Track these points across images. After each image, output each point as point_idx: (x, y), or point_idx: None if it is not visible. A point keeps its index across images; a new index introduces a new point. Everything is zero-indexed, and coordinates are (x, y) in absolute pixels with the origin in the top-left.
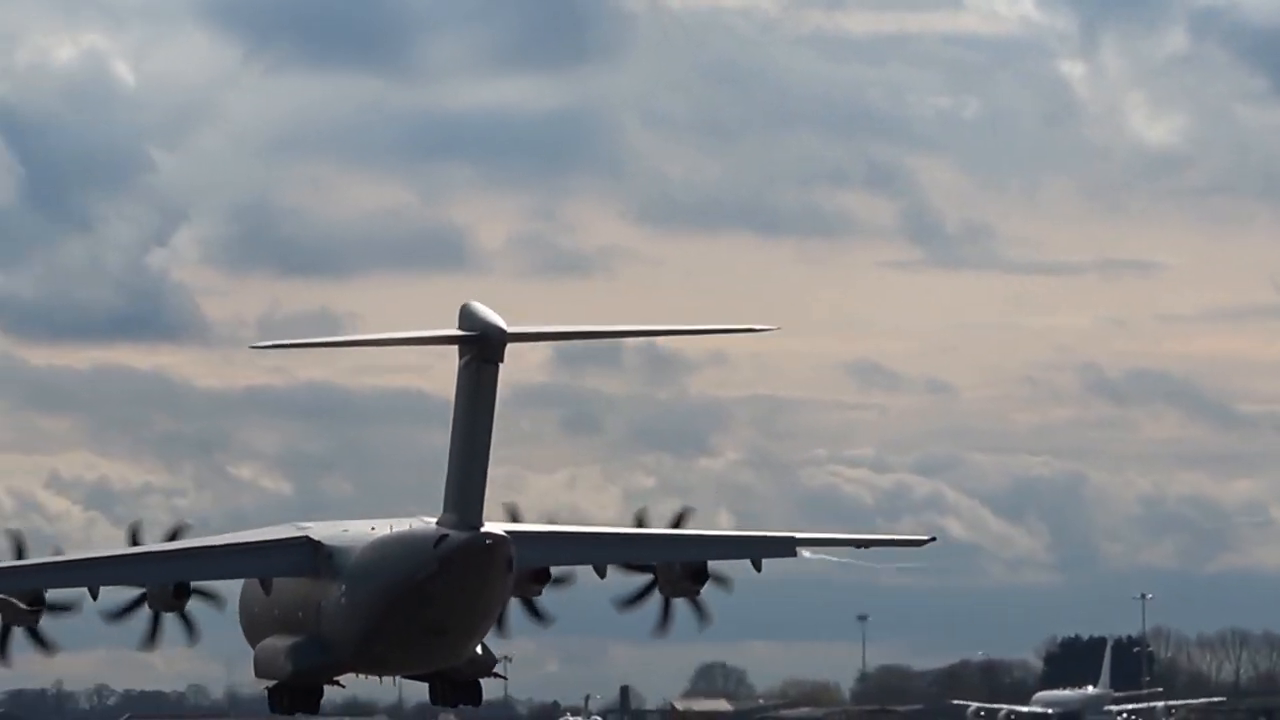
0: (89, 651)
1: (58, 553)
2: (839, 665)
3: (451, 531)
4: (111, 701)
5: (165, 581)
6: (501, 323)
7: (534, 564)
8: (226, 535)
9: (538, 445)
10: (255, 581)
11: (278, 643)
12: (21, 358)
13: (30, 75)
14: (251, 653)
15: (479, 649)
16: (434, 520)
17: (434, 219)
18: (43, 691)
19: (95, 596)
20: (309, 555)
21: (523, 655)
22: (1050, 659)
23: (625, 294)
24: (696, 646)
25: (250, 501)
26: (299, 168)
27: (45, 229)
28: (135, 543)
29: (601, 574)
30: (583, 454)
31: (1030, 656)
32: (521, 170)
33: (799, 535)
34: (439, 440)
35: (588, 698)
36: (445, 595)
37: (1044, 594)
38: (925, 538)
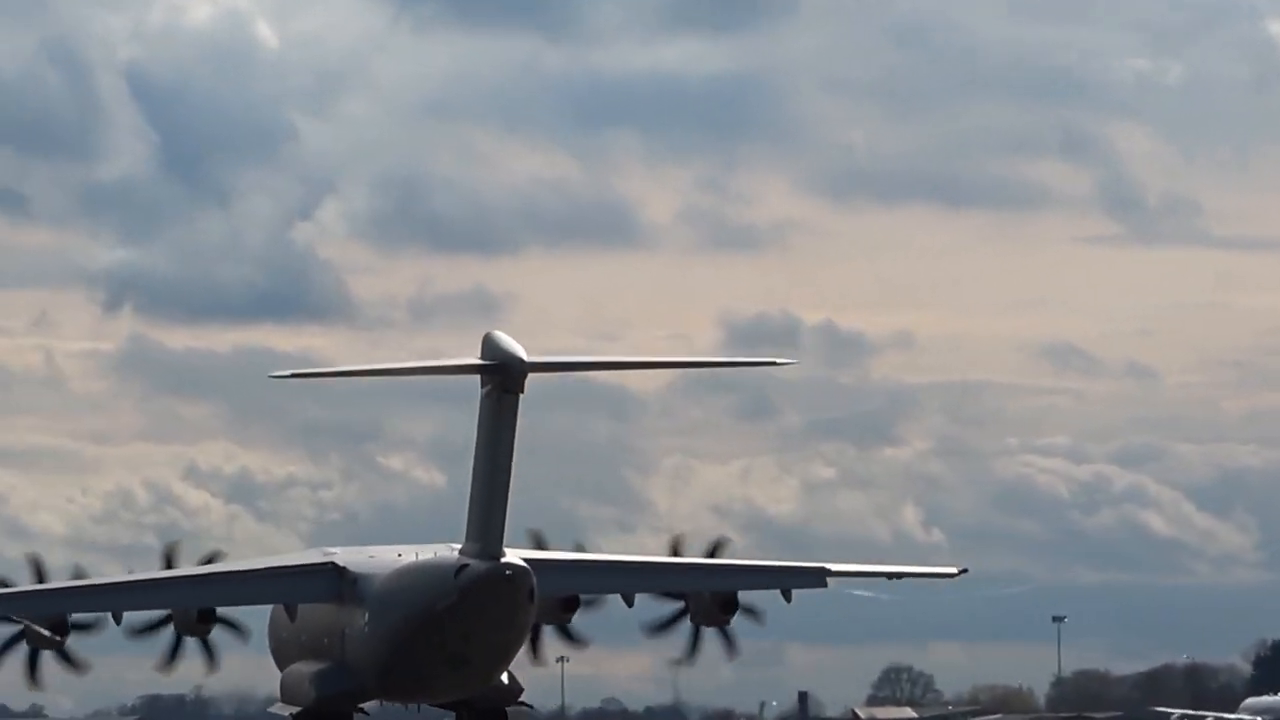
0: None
1: (78, 575)
2: (1033, 669)
3: (472, 561)
4: (252, 710)
5: (188, 606)
6: (522, 353)
7: (560, 592)
8: (253, 560)
9: (708, 434)
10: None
11: (303, 669)
12: (156, 340)
13: (164, 37)
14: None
15: (504, 677)
16: (459, 548)
17: (597, 191)
18: (181, 698)
19: (119, 621)
20: (334, 581)
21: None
22: (1260, 663)
23: (800, 271)
24: (880, 649)
25: (401, 494)
26: (452, 135)
27: (181, 202)
28: (169, 565)
29: (629, 602)
30: (756, 444)
31: (1238, 660)
32: (691, 138)
33: (830, 566)
34: (597, 428)
35: (763, 704)
36: (465, 625)
37: (1253, 593)
38: (956, 570)
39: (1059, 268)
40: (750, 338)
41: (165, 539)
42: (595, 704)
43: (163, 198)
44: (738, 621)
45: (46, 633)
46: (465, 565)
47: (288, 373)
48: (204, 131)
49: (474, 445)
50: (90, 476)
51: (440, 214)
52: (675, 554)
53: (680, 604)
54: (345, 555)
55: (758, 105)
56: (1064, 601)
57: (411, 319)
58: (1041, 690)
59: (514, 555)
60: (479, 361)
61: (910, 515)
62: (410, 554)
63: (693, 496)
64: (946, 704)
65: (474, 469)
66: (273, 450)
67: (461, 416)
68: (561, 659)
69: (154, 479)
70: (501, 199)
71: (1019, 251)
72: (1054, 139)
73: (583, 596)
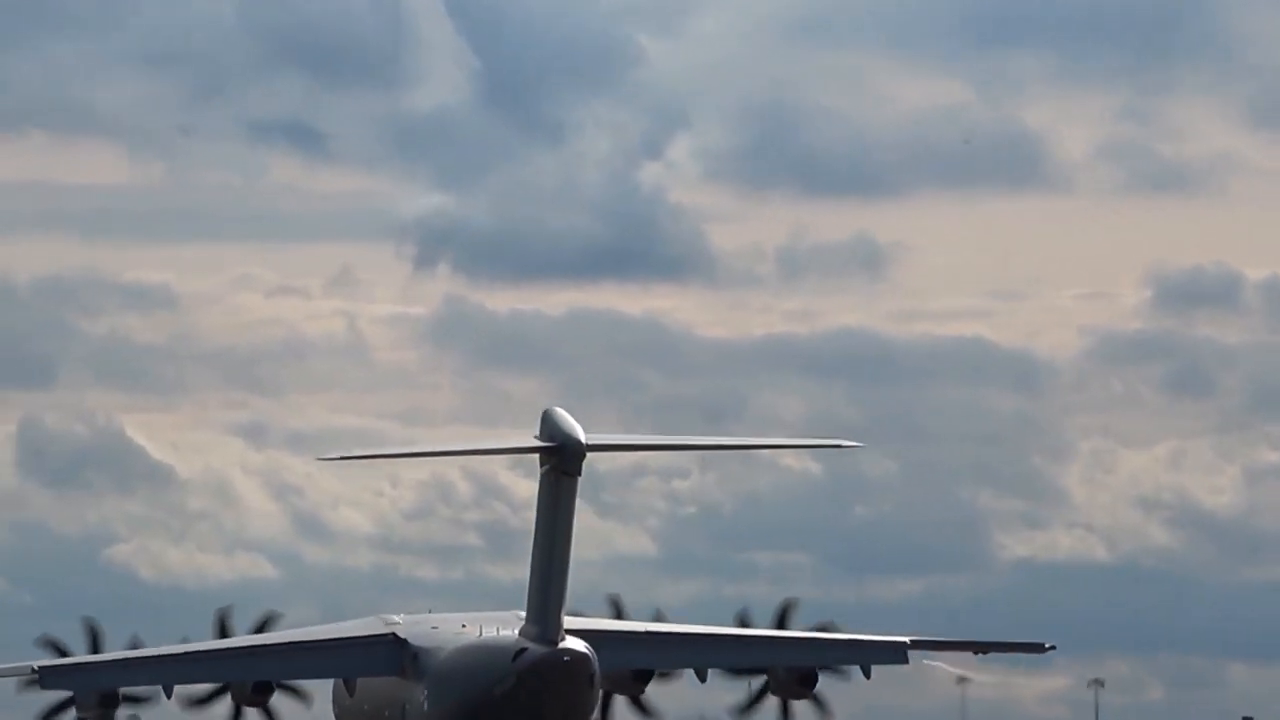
0: None
1: (134, 645)
2: None
3: (531, 645)
4: None
5: (242, 680)
6: (580, 434)
7: (631, 666)
8: (312, 629)
9: (1132, 412)
10: None
11: None
12: (477, 302)
13: None
14: None
15: None
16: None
17: (999, 123)
18: None
19: (169, 694)
20: (394, 654)
21: (1115, 678)
22: None
23: (1240, 216)
24: None
25: (767, 480)
26: (826, 58)
27: (507, 140)
28: (223, 633)
29: (702, 678)
30: (1190, 423)
31: None
32: (1111, 59)
33: (910, 639)
34: (1000, 404)
35: None
36: (523, 710)
37: None
38: (1046, 645)
39: None
40: (1183, 296)
41: (489, 537)
42: None
43: (485, 134)
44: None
45: (96, 707)
46: (523, 649)
47: (335, 456)
48: (533, 56)
49: (534, 524)
50: (402, 464)
51: (814, 150)
52: (743, 625)
53: (762, 679)
54: (407, 625)
55: (1193, 19)
56: None
57: (780, 275)
58: None
59: (575, 640)
60: (538, 443)
61: None
62: (474, 625)
63: (1113, 486)
64: None
65: (533, 549)
66: (618, 432)
67: (845, 390)
68: None
69: (475, 467)
70: (886, 132)
71: None
72: None
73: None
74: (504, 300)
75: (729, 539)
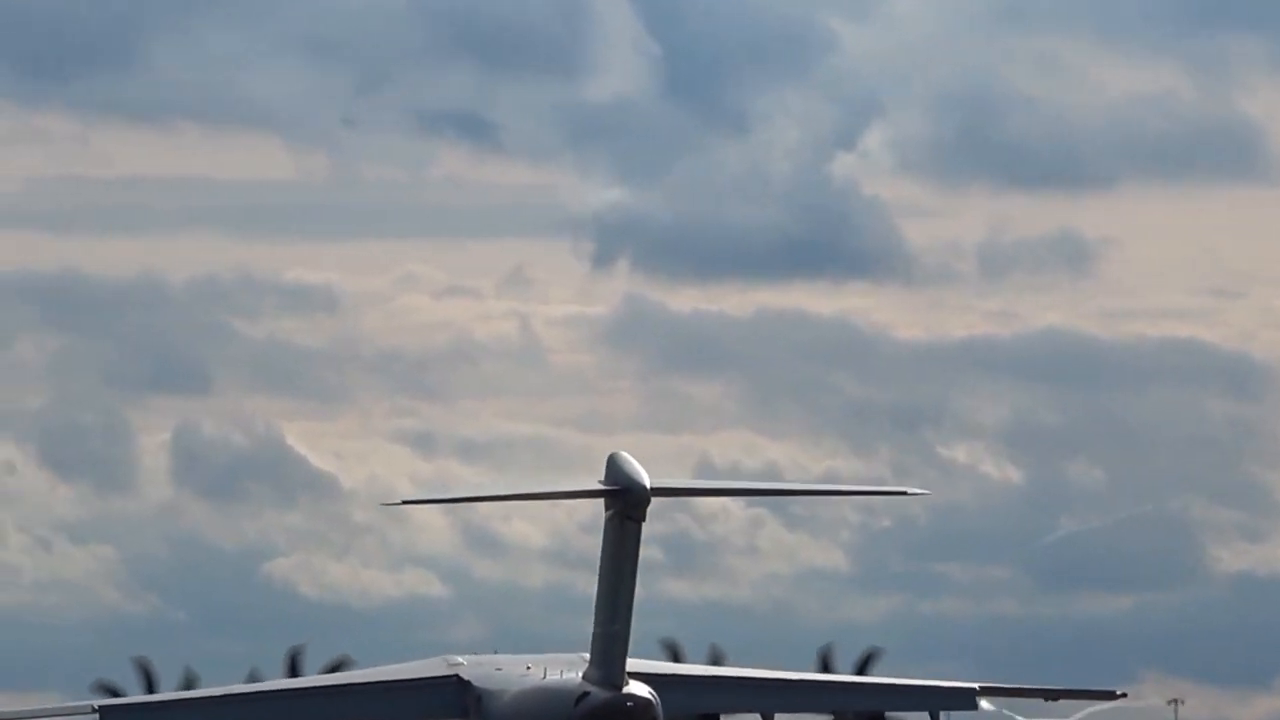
0: None
1: (188, 681)
2: None
3: (593, 689)
4: None
5: None
6: (645, 480)
7: (695, 711)
8: (376, 670)
9: None
10: None
11: None
12: (658, 302)
13: None
14: None
15: None
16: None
17: (1215, 111)
18: None
19: None
20: (458, 697)
21: None
22: None
23: None
24: None
25: (967, 492)
26: (1030, 43)
27: (689, 130)
28: (293, 672)
29: None
30: None
31: None
32: None
33: (979, 685)
34: (1215, 408)
35: None
36: None
37: None
38: (1118, 692)
39: None
40: None
41: (671, 550)
42: None
43: (666, 124)
44: None
45: None
46: (586, 693)
47: (399, 500)
48: (717, 42)
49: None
50: (579, 474)
51: (1016, 141)
52: (824, 669)
53: None
54: (471, 667)
55: None
56: None
57: (981, 272)
58: None
59: (638, 685)
60: (602, 487)
61: None
62: (539, 668)
63: None
64: None
65: (597, 592)
66: (807, 440)
67: (1051, 395)
68: None
69: (658, 476)
70: (1092, 121)
71: None
72: None
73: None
74: (686, 300)
75: (924, 551)
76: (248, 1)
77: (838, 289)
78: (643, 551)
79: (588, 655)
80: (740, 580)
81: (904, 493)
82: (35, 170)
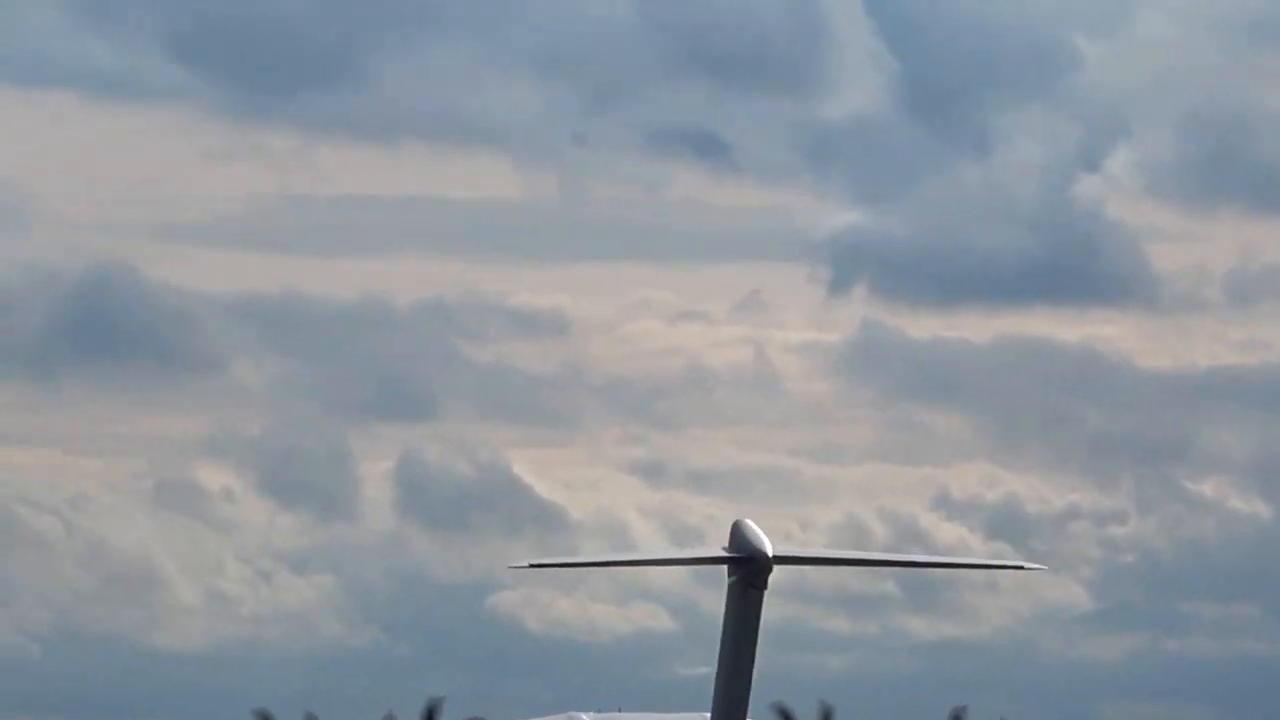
0: None
1: None
2: None
3: None
4: None
5: None
6: (768, 548)
7: None
8: None
9: None
10: None
11: None
12: (895, 328)
13: None
14: None
15: None
16: None
17: None
18: None
19: None
20: None
21: None
22: None
23: None
24: None
25: (1212, 529)
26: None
27: (929, 151)
28: None
29: None
30: None
31: None
32: None
33: None
34: None
35: None
36: None
37: None
38: None
39: None
40: None
41: (902, 582)
42: None
43: (905, 145)
44: None
45: None
46: None
47: (525, 564)
48: (958, 59)
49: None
50: (814, 505)
51: (1268, 163)
52: None
53: None
54: None
55: None
56: None
57: (1229, 300)
58: None
59: None
60: (725, 554)
61: None
62: None
63: None
64: None
65: (719, 657)
66: (1048, 472)
67: None
68: None
69: (895, 509)
70: None
71: None
72: None
73: None
74: (926, 326)
75: (1169, 589)
76: (476, 18)
77: (1082, 315)
78: (881, 584)
79: (709, 715)
80: (980, 620)
81: (1021, 567)
82: (256, 188)
